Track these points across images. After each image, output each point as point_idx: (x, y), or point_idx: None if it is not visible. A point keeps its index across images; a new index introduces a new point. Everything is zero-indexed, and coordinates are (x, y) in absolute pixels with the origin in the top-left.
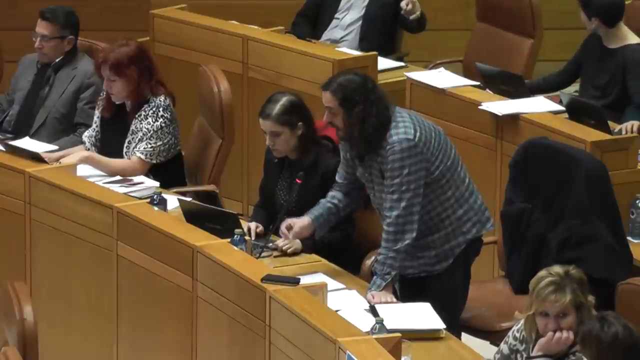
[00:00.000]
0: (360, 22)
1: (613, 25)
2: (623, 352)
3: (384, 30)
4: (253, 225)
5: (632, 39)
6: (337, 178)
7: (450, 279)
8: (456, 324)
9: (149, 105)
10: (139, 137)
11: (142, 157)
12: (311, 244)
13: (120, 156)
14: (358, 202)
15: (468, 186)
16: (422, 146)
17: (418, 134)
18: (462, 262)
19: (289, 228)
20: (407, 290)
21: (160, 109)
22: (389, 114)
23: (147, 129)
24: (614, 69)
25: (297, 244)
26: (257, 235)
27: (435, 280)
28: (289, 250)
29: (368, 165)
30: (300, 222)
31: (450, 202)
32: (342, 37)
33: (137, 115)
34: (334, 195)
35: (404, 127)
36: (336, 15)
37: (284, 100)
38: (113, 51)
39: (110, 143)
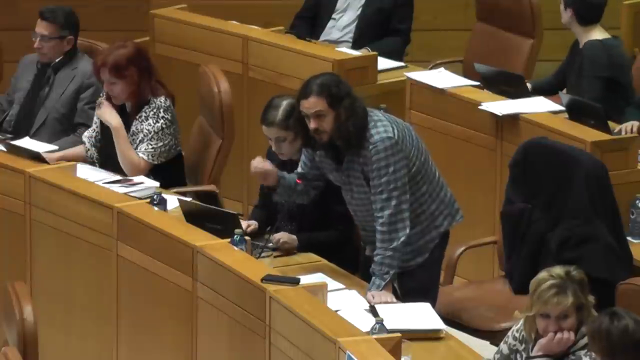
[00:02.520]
0: (355, 23)
1: (586, 24)
2: (634, 344)
3: (378, 33)
4: (244, 224)
5: (596, 35)
6: (298, 171)
7: (425, 274)
8: None
9: (150, 107)
10: (140, 138)
11: (144, 157)
12: (307, 241)
13: None
14: (311, 197)
15: (438, 180)
16: (401, 143)
17: (396, 131)
18: (436, 256)
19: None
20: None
21: (161, 110)
22: (364, 105)
23: (148, 130)
24: (579, 66)
25: (293, 239)
26: (255, 235)
27: (410, 276)
28: (285, 246)
29: (347, 167)
30: (273, 167)
31: (425, 198)
32: (339, 38)
33: (137, 117)
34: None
35: (382, 126)
36: (333, 16)
37: (284, 104)
38: (111, 54)
39: (111, 145)
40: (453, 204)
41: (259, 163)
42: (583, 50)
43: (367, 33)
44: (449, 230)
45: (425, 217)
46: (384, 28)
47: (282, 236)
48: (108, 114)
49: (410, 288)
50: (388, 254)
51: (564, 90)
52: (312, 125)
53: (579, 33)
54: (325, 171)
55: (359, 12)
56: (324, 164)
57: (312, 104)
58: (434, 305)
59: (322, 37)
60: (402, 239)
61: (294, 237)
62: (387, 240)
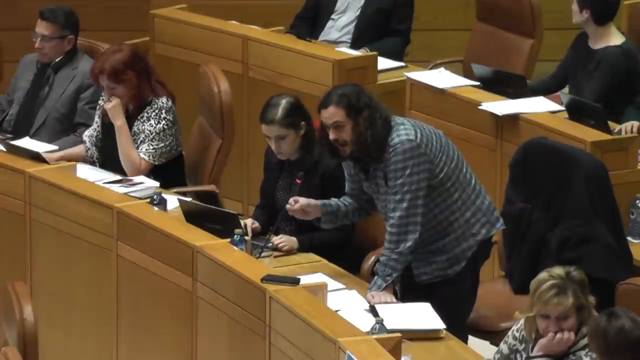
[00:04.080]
0: (354, 23)
1: (603, 23)
2: (630, 344)
3: (377, 34)
4: (249, 221)
5: (614, 40)
6: (345, 191)
7: (460, 283)
8: (464, 327)
9: (152, 107)
10: (141, 138)
11: (145, 158)
12: (307, 242)
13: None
14: (368, 211)
15: (474, 188)
16: (424, 147)
17: (419, 134)
18: (473, 265)
19: (296, 201)
20: (419, 294)
21: (163, 111)
22: (389, 114)
23: (150, 130)
24: (593, 71)
25: (293, 241)
26: (254, 233)
27: (447, 284)
28: (284, 248)
29: (373, 176)
30: (308, 200)
31: (458, 205)
32: (337, 38)
33: (139, 117)
34: (345, 198)
35: (404, 129)
36: (332, 16)
37: (284, 103)
38: (108, 60)
39: (112, 145)
40: (492, 213)
41: (295, 205)
42: (601, 55)
43: (366, 33)
44: (490, 239)
45: (458, 225)
46: (383, 28)
47: (282, 240)
48: (115, 111)
49: (445, 296)
50: (393, 257)
51: (566, 89)
52: (331, 135)
53: (594, 34)
54: (361, 182)
55: (358, 12)
56: (358, 175)
57: (330, 114)
58: (468, 315)
59: (320, 37)
60: (410, 243)
61: (294, 239)
62: (394, 242)
